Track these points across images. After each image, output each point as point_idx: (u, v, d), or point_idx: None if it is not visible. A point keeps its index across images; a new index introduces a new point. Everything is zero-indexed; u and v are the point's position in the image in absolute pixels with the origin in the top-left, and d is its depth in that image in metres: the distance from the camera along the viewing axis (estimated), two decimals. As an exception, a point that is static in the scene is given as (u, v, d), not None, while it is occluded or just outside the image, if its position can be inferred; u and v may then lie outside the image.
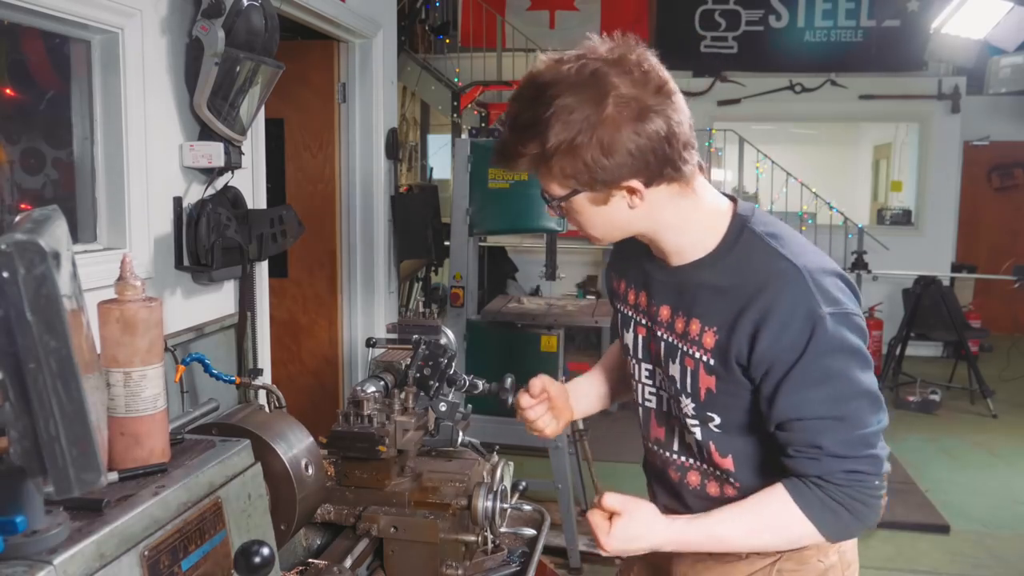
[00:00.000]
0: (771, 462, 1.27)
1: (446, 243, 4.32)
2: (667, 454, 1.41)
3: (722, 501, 1.32)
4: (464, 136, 4.02)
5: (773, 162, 7.65)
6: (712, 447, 1.31)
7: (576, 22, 8.25)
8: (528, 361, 3.14)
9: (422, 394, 1.80)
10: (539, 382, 1.53)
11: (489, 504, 1.68)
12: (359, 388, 1.78)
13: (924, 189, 8.11)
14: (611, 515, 1.25)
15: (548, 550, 3.34)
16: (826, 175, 9.51)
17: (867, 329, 1.23)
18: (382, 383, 1.84)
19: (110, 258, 2.04)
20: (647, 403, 1.44)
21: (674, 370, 1.31)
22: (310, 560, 1.59)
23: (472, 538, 1.73)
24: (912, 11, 7.58)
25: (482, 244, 4.40)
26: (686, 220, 1.25)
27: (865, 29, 7.80)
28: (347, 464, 1.72)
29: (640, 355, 1.40)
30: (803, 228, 7.85)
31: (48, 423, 0.78)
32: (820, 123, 9.63)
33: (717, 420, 1.28)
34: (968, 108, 7.82)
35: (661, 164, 1.15)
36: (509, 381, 1.76)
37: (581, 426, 3.61)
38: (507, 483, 1.80)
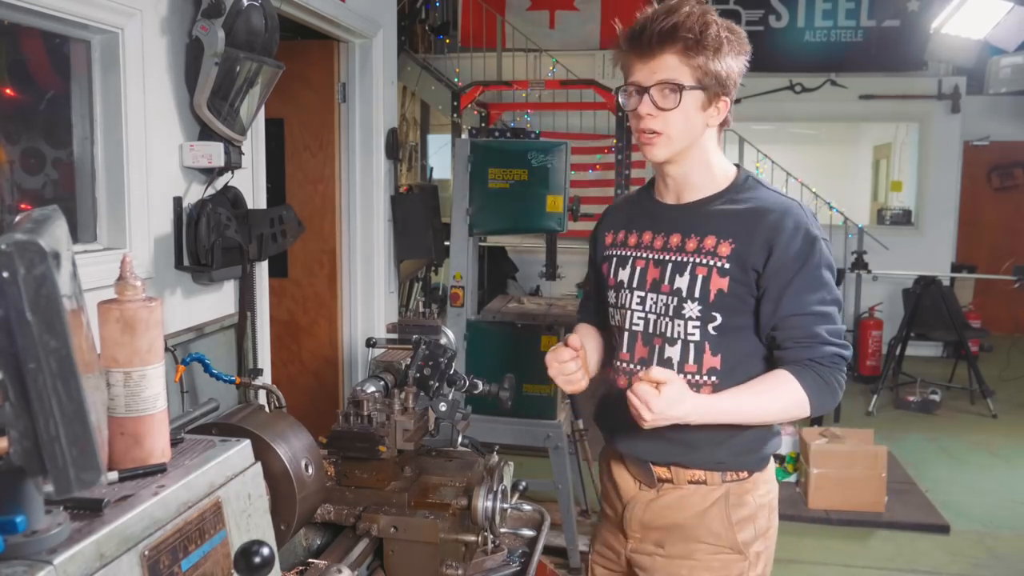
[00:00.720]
0: (747, 363, 1.56)
1: (446, 243, 4.32)
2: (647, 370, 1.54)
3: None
4: (464, 136, 4.01)
5: (773, 162, 7.64)
6: (707, 346, 1.56)
7: (576, 22, 8.25)
8: (528, 361, 3.14)
9: (422, 394, 1.80)
10: (577, 337, 1.64)
11: (489, 504, 1.68)
12: (359, 388, 1.78)
13: (924, 189, 8.11)
14: (657, 385, 1.42)
15: (548, 550, 3.34)
16: (826, 175, 9.50)
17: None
18: (382, 383, 1.84)
19: (110, 258, 2.04)
20: (634, 327, 1.64)
21: (681, 282, 1.55)
22: (310, 560, 1.59)
23: (472, 538, 1.73)
24: (912, 11, 7.58)
25: (482, 244, 4.40)
26: (715, 156, 1.58)
27: (865, 29, 7.80)
28: (347, 464, 1.72)
29: (635, 284, 1.63)
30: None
31: (48, 423, 0.78)
32: (820, 123, 9.63)
33: (718, 320, 1.53)
34: (968, 108, 7.82)
35: (732, 101, 1.54)
36: (508, 381, 1.77)
37: (581, 426, 3.61)
38: (507, 483, 1.80)
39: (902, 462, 4.81)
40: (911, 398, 6.06)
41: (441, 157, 7.59)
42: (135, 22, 2.10)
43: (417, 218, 4.13)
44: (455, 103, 4.70)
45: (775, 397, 1.50)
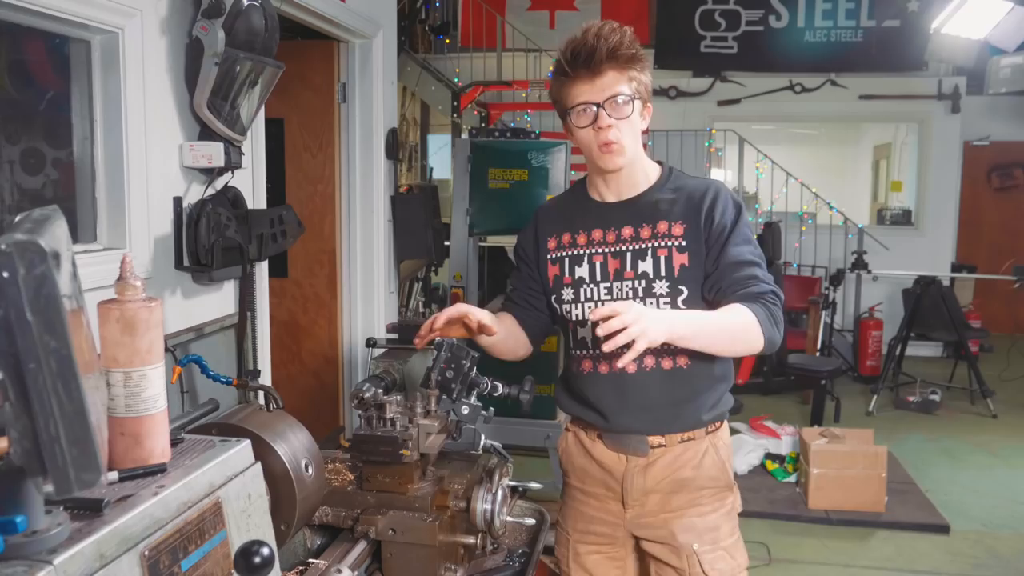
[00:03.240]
0: None
1: (446, 243, 4.32)
2: (622, 351, 1.57)
3: (676, 371, 1.73)
4: (464, 136, 4.02)
5: (773, 162, 7.65)
6: None
7: (576, 22, 8.05)
8: (528, 361, 3.13)
9: (444, 397, 1.79)
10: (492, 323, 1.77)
11: (488, 506, 1.68)
12: (359, 388, 1.78)
13: (924, 189, 8.11)
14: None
15: (548, 550, 3.34)
16: (826, 175, 9.51)
17: None
18: (383, 383, 1.84)
19: (110, 258, 2.04)
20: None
21: (646, 266, 1.72)
22: (310, 560, 1.59)
23: (471, 540, 1.73)
24: (912, 11, 7.57)
25: (482, 244, 4.40)
26: (644, 160, 1.78)
27: (865, 29, 7.80)
28: (369, 467, 1.71)
29: (599, 278, 1.77)
30: (803, 228, 7.86)
31: (48, 423, 0.77)
32: (820, 123, 9.64)
33: (685, 293, 1.70)
34: (968, 108, 7.82)
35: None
36: (529, 384, 1.79)
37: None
38: (506, 484, 1.80)
39: (902, 462, 4.81)
40: (911, 398, 6.06)
41: (441, 157, 7.59)
42: (135, 22, 2.10)
43: (417, 218, 4.13)
44: (455, 103, 4.71)
45: (734, 318, 1.65)
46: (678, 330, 1.58)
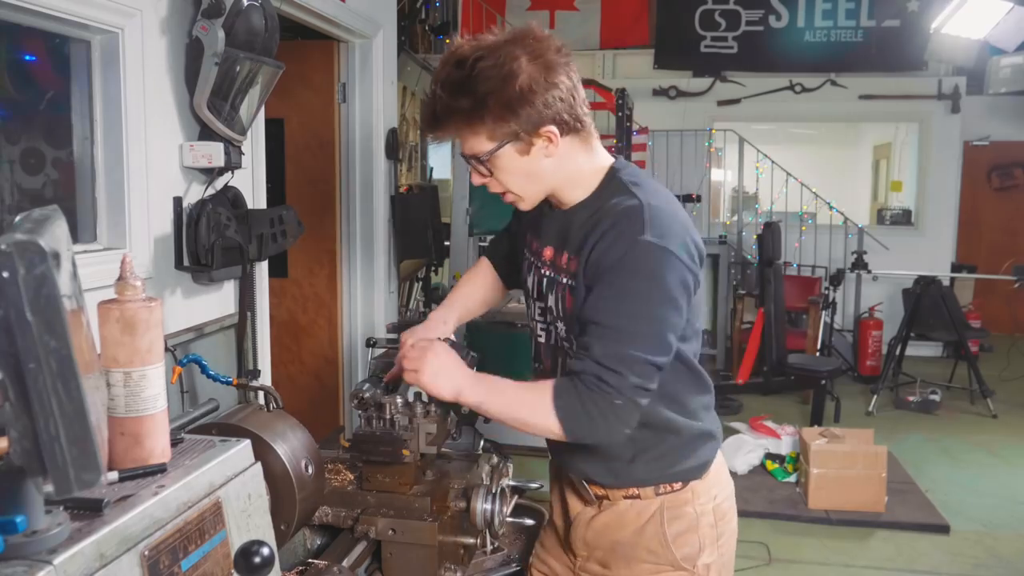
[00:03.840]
0: None
1: (446, 243, 4.32)
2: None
3: None
4: (464, 136, 4.01)
5: (773, 162, 7.64)
6: None
7: (576, 22, 8.24)
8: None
9: None
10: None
11: (488, 506, 1.68)
12: (359, 388, 1.78)
13: (924, 189, 8.11)
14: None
15: (548, 550, 3.34)
16: (826, 175, 9.50)
17: (691, 280, 1.36)
18: (382, 383, 1.84)
19: (110, 258, 2.04)
20: (539, 338, 1.59)
21: (552, 300, 1.49)
22: (310, 560, 1.59)
23: (471, 540, 1.73)
24: (912, 11, 7.57)
25: (482, 244, 4.40)
26: (583, 174, 1.44)
27: (865, 29, 7.79)
28: (369, 468, 1.70)
29: (535, 295, 1.56)
30: (803, 228, 7.86)
31: (48, 423, 0.78)
32: (820, 123, 9.63)
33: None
34: (968, 108, 7.82)
35: (569, 114, 1.36)
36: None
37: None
38: (506, 484, 1.80)
39: (902, 462, 4.81)
40: (911, 398, 6.06)
41: (441, 157, 7.58)
42: (135, 22, 2.10)
43: (417, 218, 4.13)
44: (455, 103, 4.71)
45: (526, 397, 1.39)
46: (466, 395, 1.39)
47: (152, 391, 1.16)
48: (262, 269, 2.77)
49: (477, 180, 1.43)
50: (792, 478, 4.49)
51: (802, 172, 7.81)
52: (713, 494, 1.54)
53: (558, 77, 1.33)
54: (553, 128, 1.34)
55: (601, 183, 1.44)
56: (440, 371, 1.41)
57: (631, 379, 1.30)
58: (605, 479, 1.52)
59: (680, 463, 1.50)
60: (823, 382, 5.29)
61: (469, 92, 1.30)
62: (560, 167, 1.40)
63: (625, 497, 1.51)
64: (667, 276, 1.32)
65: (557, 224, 1.49)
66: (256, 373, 2.31)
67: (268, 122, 2.86)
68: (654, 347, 1.32)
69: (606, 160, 1.48)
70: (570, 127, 1.36)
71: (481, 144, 1.36)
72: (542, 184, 1.42)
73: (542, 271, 1.52)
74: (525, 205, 1.47)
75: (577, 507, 1.62)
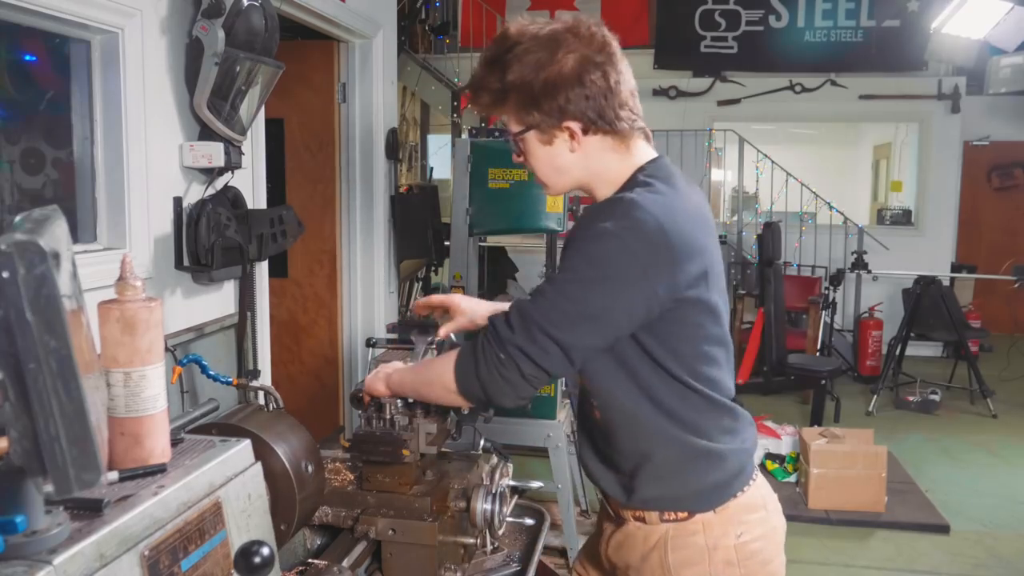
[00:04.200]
0: (612, 386, 1.38)
1: (446, 243, 4.32)
2: (580, 392, 1.53)
3: (597, 425, 1.45)
4: (464, 136, 4.01)
5: (773, 162, 7.64)
6: (584, 375, 1.42)
7: (576, 22, 8.23)
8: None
9: None
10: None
11: (488, 506, 1.68)
12: (359, 388, 1.78)
13: (924, 189, 8.11)
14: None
15: (548, 550, 3.35)
16: (826, 175, 9.50)
17: (658, 274, 1.26)
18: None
19: (110, 258, 2.04)
20: None
21: None
22: (310, 560, 1.59)
23: (471, 540, 1.73)
24: (912, 11, 7.57)
25: (482, 244, 4.39)
26: (617, 175, 1.39)
27: (865, 29, 7.80)
28: (369, 468, 1.70)
29: None
30: (803, 228, 7.86)
31: (48, 423, 0.78)
32: (820, 123, 9.63)
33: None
34: (968, 108, 7.82)
35: (597, 113, 1.33)
36: None
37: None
38: (506, 484, 1.80)
39: (902, 462, 4.81)
40: (911, 398, 6.06)
41: (441, 157, 7.58)
42: (135, 22, 2.10)
43: (417, 218, 4.13)
44: (455, 103, 4.70)
45: (432, 366, 1.46)
46: (393, 380, 1.55)
47: (152, 391, 1.16)
48: (262, 269, 2.77)
49: (514, 158, 1.45)
50: (792, 478, 4.49)
51: (802, 172, 7.81)
52: (738, 532, 1.43)
53: (590, 76, 1.31)
54: (574, 124, 1.33)
55: (625, 181, 1.39)
56: (376, 374, 1.58)
57: (518, 339, 1.28)
58: (617, 493, 1.47)
59: (685, 486, 1.41)
60: (823, 382, 5.28)
61: (499, 74, 1.33)
62: (585, 163, 1.38)
63: (634, 518, 1.45)
64: (602, 256, 1.26)
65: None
66: (256, 373, 2.31)
67: (268, 122, 2.87)
68: (559, 322, 1.27)
69: (643, 159, 1.41)
70: (596, 126, 1.34)
71: (511, 123, 1.39)
72: (567, 176, 1.41)
73: None
74: (550, 192, 1.48)
75: (604, 520, 1.58)
